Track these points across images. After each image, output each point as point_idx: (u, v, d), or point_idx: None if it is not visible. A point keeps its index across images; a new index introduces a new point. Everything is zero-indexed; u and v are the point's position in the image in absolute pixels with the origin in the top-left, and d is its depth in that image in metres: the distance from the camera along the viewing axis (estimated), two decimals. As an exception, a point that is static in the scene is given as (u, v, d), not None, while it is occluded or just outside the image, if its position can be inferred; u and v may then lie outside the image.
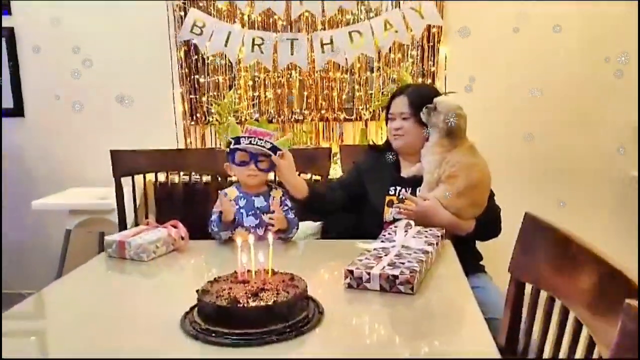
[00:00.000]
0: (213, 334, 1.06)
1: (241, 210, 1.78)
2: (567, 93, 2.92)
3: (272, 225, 1.71)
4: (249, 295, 1.11)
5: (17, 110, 3.04)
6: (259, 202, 1.80)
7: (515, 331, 1.10)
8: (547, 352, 1.00)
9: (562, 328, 0.96)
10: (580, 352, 0.90)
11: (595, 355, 0.84)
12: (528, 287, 1.09)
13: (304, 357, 1.03)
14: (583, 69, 2.90)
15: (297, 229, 1.82)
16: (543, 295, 1.02)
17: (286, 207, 1.84)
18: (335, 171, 2.66)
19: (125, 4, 2.95)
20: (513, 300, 1.10)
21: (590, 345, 0.85)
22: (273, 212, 1.76)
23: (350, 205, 1.96)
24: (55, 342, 1.12)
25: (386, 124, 2.01)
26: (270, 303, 1.08)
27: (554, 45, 2.85)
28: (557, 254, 0.96)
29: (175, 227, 1.71)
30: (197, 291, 1.16)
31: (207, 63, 3.01)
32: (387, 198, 1.90)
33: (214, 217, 1.78)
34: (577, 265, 0.88)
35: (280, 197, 1.84)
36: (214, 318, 1.09)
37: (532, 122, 2.92)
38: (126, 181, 2.37)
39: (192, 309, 1.18)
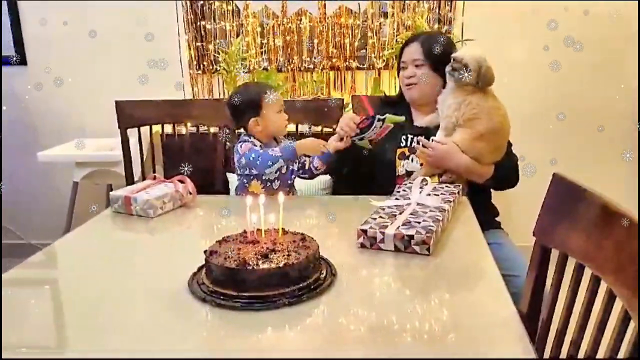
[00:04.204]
0: (222, 297, 1.03)
1: None
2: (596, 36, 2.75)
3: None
4: (259, 257, 1.06)
5: (20, 59, 2.95)
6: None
7: (539, 299, 1.04)
8: (573, 323, 0.95)
9: (593, 299, 0.91)
10: (611, 325, 0.84)
11: (630, 331, 0.79)
12: (554, 253, 1.03)
13: (317, 321, 0.99)
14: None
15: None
16: (571, 262, 0.96)
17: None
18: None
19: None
20: (538, 267, 1.04)
21: (625, 319, 0.80)
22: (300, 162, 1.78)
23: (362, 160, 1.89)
24: (59, 304, 1.09)
25: (398, 74, 1.92)
26: (281, 265, 1.04)
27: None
28: (591, 220, 0.89)
29: (182, 182, 1.66)
30: (205, 252, 1.11)
31: (214, 9, 2.88)
32: (399, 150, 1.83)
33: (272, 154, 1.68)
34: (613, 232, 0.82)
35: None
36: (223, 280, 1.05)
37: (558, 68, 2.77)
38: (133, 133, 2.31)
39: (200, 269, 1.14)
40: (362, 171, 1.92)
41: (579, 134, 2.87)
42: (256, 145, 1.71)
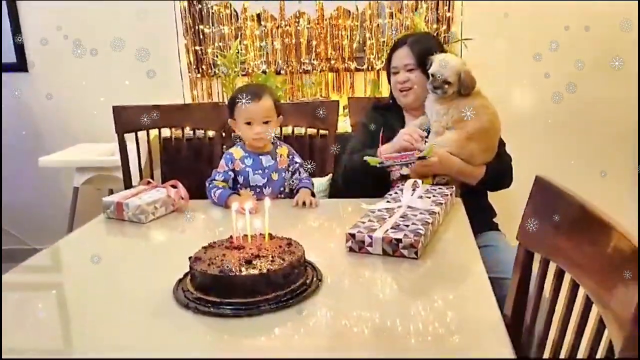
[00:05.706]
0: (205, 304, 1.02)
1: (247, 169, 1.72)
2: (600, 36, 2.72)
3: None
4: (242, 263, 1.06)
5: (20, 66, 2.97)
6: (267, 160, 1.75)
7: (523, 303, 1.03)
8: (554, 328, 0.94)
9: (571, 304, 0.89)
10: (588, 332, 0.83)
11: (604, 337, 0.77)
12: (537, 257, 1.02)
13: (300, 327, 0.99)
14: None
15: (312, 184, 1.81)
16: (553, 265, 0.95)
17: (297, 164, 1.80)
18: (345, 124, 2.57)
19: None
20: (521, 271, 1.03)
21: (601, 325, 0.78)
22: (281, 169, 1.76)
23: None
24: (44, 312, 1.09)
25: (388, 79, 1.90)
26: (264, 271, 1.03)
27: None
28: (570, 223, 0.87)
29: (174, 187, 1.66)
30: (189, 258, 1.11)
31: (212, 13, 2.88)
32: None
33: (217, 177, 1.71)
34: (591, 236, 0.80)
35: (287, 155, 1.79)
36: (206, 287, 1.05)
37: (556, 69, 2.75)
38: (133, 138, 2.32)
39: (185, 275, 1.13)
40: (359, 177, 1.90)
41: (580, 131, 2.85)
42: (230, 163, 1.73)
